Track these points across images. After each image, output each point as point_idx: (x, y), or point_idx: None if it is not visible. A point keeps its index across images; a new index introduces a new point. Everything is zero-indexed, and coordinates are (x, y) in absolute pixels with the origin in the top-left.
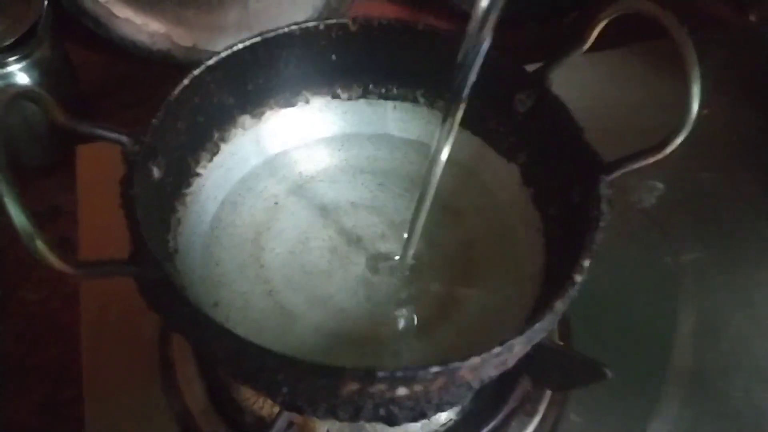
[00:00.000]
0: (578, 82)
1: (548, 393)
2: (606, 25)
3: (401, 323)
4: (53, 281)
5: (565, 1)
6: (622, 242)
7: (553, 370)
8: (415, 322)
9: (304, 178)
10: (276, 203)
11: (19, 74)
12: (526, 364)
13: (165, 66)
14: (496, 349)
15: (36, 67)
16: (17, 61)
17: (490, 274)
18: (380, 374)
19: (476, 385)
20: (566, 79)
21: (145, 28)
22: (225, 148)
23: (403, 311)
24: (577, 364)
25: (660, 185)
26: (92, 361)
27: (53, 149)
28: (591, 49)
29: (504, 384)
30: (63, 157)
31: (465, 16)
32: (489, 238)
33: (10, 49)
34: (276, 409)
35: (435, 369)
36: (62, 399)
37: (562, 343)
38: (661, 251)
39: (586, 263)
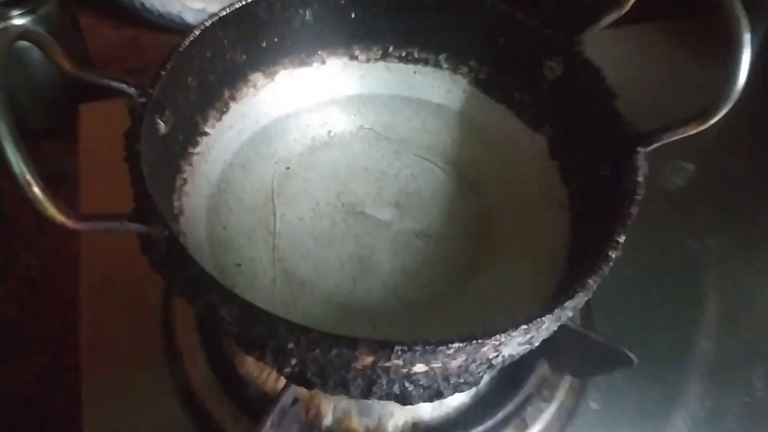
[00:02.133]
0: (603, 57)
1: (566, 378)
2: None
3: (416, 295)
4: (55, 247)
5: None
6: (646, 223)
7: (574, 354)
8: (431, 294)
9: (317, 143)
10: (287, 168)
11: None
12: (545, 346)
13: (174, 31)
14: (523, 327)
15: (41, 23)
16: (22, 15)
17: (509, 249)
18: (398, 347)
19: (498, 364)
20: (594, 53)
21: None
22: (235, 108)
23: (418, 283)
24: (600, 350)
25: (690, 167)
26: (91, 330)
27: (57, 111)
28: (618, 23)
29: (520, 367)
30: (67, 120)
31: None
32: (509, 212)
33: (16, 2)
34: (281, 384)
35: (457, 345)
36: (62, 367)
37: (581, 326)
38: (686, 234)
39: (621, 239)
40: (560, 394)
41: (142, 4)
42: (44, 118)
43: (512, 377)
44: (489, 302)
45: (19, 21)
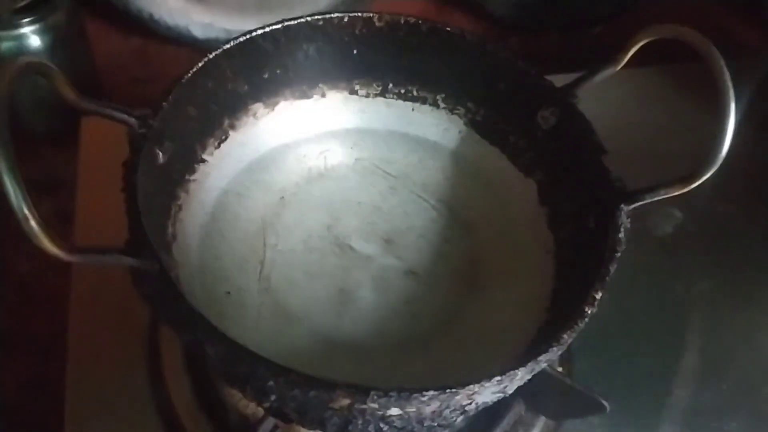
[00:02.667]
0: (603, 98)
1: (542, 419)
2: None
3: (400, 333)
4: (49, 254)
5: (591, 13)
6: (633, 268)
7: (550, 397)
8: (415, 333)
9: (313, 174)
10: (282, 198)
11: (32, 37)
12: (522, 388)
13: (181, 43)
14: (497, 378)
15: (50, 31)
16: (31, 23)
17: (496, 292)
18: (374, 393)
19: (472, 410)
20: (590, 95)
21: (165, 2)
22: (234, 136)
23: (403, 321)
24: (574, 394)
25: (678, 213)
26: (78, 343)
27: (61, 118)
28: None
29: (497, 406)
30: (70, 127)
31: (490, 18)
32: (498, 255)
33: (25, 11)
34: (261, 412)
35: (431, 393)
36: (49, 376)
37: (561, 369)
38: (672, 281)
39: (599, 295)
40: None
41: (151, 16)
42: (47, 124)
43: (488, 415)
44: (472, 343)
45: (28, 29)
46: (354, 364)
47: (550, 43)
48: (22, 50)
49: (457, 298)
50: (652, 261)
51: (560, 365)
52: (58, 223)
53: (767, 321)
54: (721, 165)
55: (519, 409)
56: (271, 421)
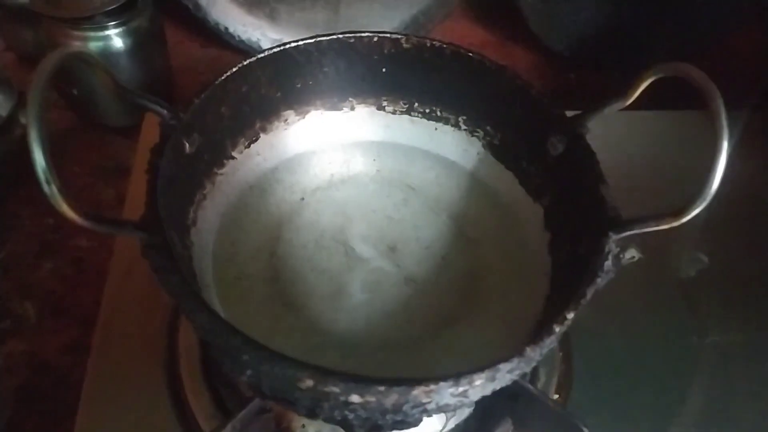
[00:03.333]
0: (617, 136)
1: None
2: (661, 85)
3: (391, 335)
4: (106, 234)
5: (653, 51)
6: (650, 308)
7: (536, 419)
8: (406, 336)
9: (334, 180)
10: (302, 198)
11: (116, 38)
12: (510, 407)
13: (252, 56)
14: (452, 379)
15: (132, 34)
16: (116, 26)
17: (490, 308)
18: (332, 376)
19: (433, 410)
20: (605, 131)
21: (240, 17)
22: (264, 138)
23: (396, 324)
24: (554, 417)
25: (705, 258)
26: (110, 313)
27: (135, 111)
28: (636, 106)
29: (486, 421)
30: (142, 121)
31: (549, 52)
32: (498, 273)
33: (111, 14)
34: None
35: (386, 384)
36: (86, 343)
37: (557, 396)
38: (688, 325)
39: (570, 315)
40: None
41: (226, 29)
42: (123, 117)
43: (477, 430)
44: (460, 353)
45: (113, 31)
46: (342, 358)
47: (610, 81)
48: (107, 50)
49: (452, 310)
50: (670, 302)
51: (557, 392)
52: (121, 206)
53: None
54: (754, 213)
55: (506, 427)
56: (257, 403)
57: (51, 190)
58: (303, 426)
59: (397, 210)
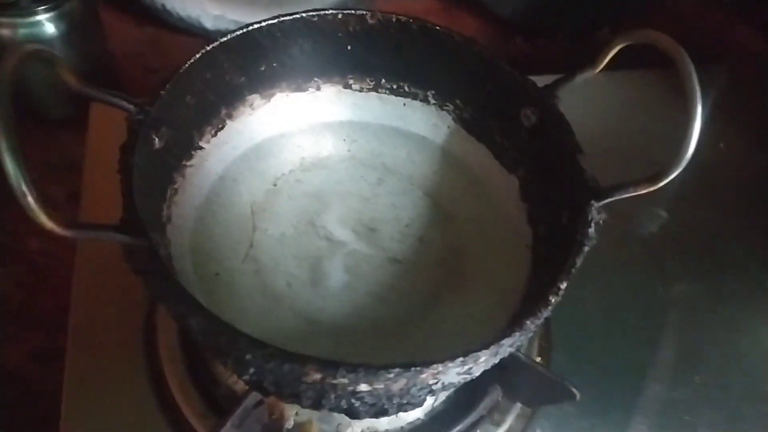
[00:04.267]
0: (589, 100)
1: (518, 405)
2: (626, 46)
3: (381, 318)
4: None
5: (598, 16)
6: (616, 266)
7: (526, 384)
8: (395, 318)
9: (305, 164)
10: (275, 185)
11: (47, 24)
12: (499, 374)
13: (192, 34)
14: (460, 358)
15: (64, 18)
16: (46, 11)
17: (475, 283)
18: (342, 368)
19: (439, 390)
20: (577, 96)
21: None
22: (231, 125)
23: (385, 306)
24: (546, 382)
25: (664, 214)
26: (80, 318)
27: (75, 103)
28: (610, 66)
29: (475, 390)
30: (84, 112)
31: (495, 18)
32: (479, 247)
33: None
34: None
35: (396, 370)
36: (55, 349)
37: (540, 358)
38: (653, 280)
39: (563, 285)
40: (510, 419)
41: (164, 6)
42: (63, 109)
43: (466, 399)
44: (449, 330)
45: (44, 16)
46: (335, 345)
47: (556, 45)
48: (37, 36)
49: (438, 287)
50: (635, 259)
51: (539, 355)
52: (72, 204)
53: (742, 321)
54: (709, 168)
55: (496, 395)
56: (254, 396)
57: (28, 202)
58: (296, 414)
59: (372, 190)
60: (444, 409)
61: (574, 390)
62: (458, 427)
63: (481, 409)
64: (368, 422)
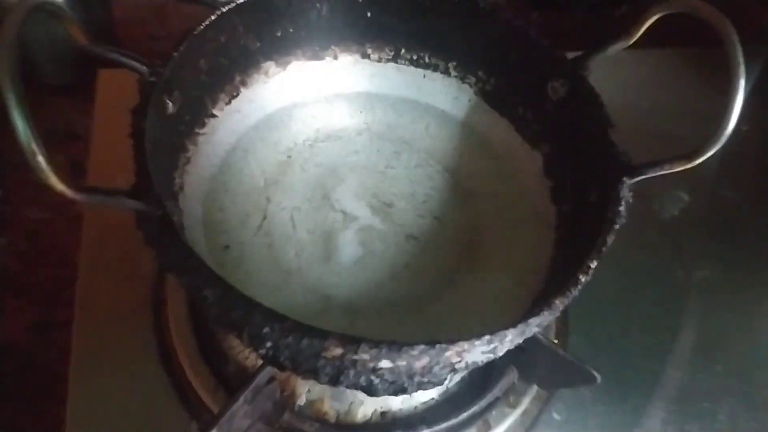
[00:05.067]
0: (617, 77)
1: (534, 388)
2: (656, 22)
3: (396, 294)
4: (59, 204)
5: None
6: (635, 248)
7: (543, 366)
8: (411, 295)
9: (320, 135)
10: (289, 157)
11: None
12: (516, 356)
13: (199, 2)
14: (486, 337)
15: None
16: None
17: (494, 262)
18: (365, 343)
19: (462, 369)
20: (605, 73)
21: None
22: (245, 93)
23: (400, 283)
24: (565, 365)
25: (685, 197)
26: (86, 289)
27: (77, 69)
28: (636, 45)
29: (491, 371)
30: (86, 78)
31: None
32: (499, 225)
33: None
34: (259, 362)
35: (421, 347)
36: (54, 321)
37: (557, 341)
38: (673, 264)
39: (593, 264)
40: (525, 402)
41: None
42: (63, 75)
43: (481, 380)
44: (467, 310)
45: None
46: (348, 321)
47: (573, 21)
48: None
49: (455, 265)
50: (655, 242)
51: (556, 338)
52: (75, 173)
53: (764, 308)
54: (732, 152)
55: (512, 376)
56: (267, 372)
57: (38, 162)
58: (308, 391)
59: (388, 165)
60: (458, 390)
61: (594, 373)
62: (473, 409)
63: (496, 390)
64: (381, 401)
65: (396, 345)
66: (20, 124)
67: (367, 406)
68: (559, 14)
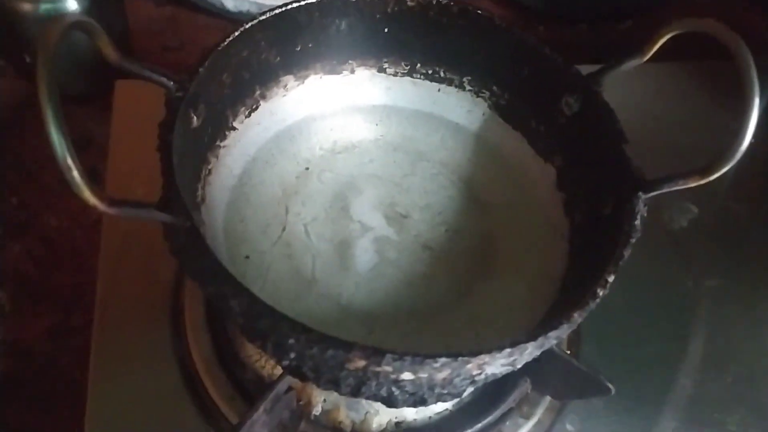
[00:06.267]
0: (629, 91)
1: (547, 398)
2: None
3: (412, 305)
4: (76, 211)
5: (621, 7)
6: (646, 259)
7: (557, 377)
8: (427, 306)
9: (338, 147)
10: (307, 168)
11: (70, 0)
12: (530, 366)
13: (211, 13)
14: (507, 350)
15: None
16: None
17: (508, 272)
18: (389, 355)
19: (481, 381)
20: (617, 87)
21: None
22: (264, 106)
23: (416, 294)
24: (580, 376)
25: (694, 208)
26: (105, 294)
27: (94, 79)
28: (649, 58)
29: (504, 383)
30: (102, 89)
31: (518, 6)
32: (513, 236)
33: None
34: (277, 371)
35: (443, 359)
36: (71, 326)
37: (569, 351)
38: (683, 274)
39: (611, 278)
40: (539, 412)
41: None
42: (82, 85)
43: (495, 391)
44: (483, 320)
45: None
46: (366, 330)
47: (578, 35)
48: (59, 11)
49: (470, 276)
50: (665, 253)
51: (568, 348)
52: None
53: None
54: (740, 163)
55: (525, 387)
56: (286, 382)
57: (73, 176)
58: (324, 400)
59: (404, 176)
60: (472, 401)
61: (609, 385)
62: (487, 419)
63: (510, 401)
64: (396, 412)
65: (419, 357)
66: (56, 139)
67: (382, 416)
68: (563, 28)
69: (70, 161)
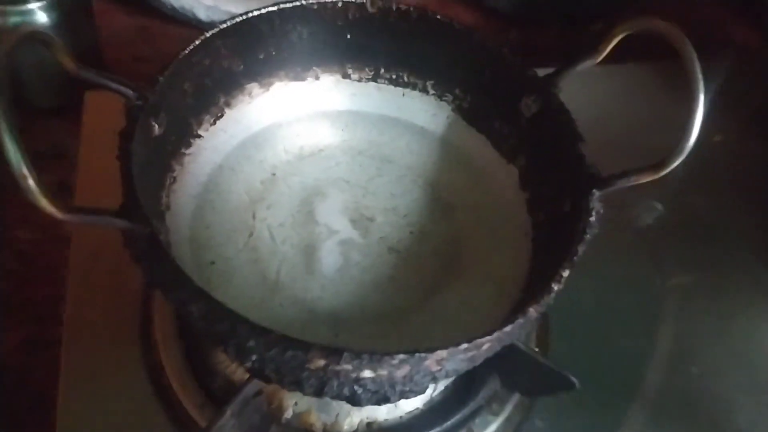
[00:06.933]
0: (589, 91)
1: (516, 395)
2: (628, 38)
3: (379, 307)
4: (48, 224)
5: (592, 8)
6: (613, 257)
7: (524, 374)
8: (394, 307)
9: (304, 153)
10: (273, 174)
11: (39, 13)
12: (498, 364)
13: (184, 24)
14: (463, 345)
15: (57, 7)
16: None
17: (474, 272)
18: (347, 354)
19: (441, 377)
20: (578, 87)
21: None
22: (229, 114)
23: (383, 296)
24: (545, 371)
25: (659, 206)
26: (75, 306)
27: (64, 91)
28: (609, 59)
29: (473, 380)
30: (73, 100)
31: (490, 10)
32: (478, 236)
33: None
34: (246, 376)
35: (401, 356)
36: (44, 340)
37: (537, 348)
38: (649, 271)
39: (566, 273)
40: (508, 409)
41: None
42: (50, 97)
43: (465, 389)
44: (449, 320)
45: (36, 4)
46: (333, 333)
47: (550, 37)
48: (28, 24)
49: (436, 277)
50: (632, 251)
51: (537, 345)
52: (60, 193)
53: (739, 312)
54: (703, 162)
55: (494, 385)
56: (254, 386)
57: (28, 185)
58: (296, 403)
59: (370, 180)
60: (442, 399)
61: (573, 379)
62: (457, 417)
63: (479, 398)
64: (367, 412)
65: (377, 355)
66: (11, 148)
67: (353, 417)
68: (535, 31)
69: (25, 170)
